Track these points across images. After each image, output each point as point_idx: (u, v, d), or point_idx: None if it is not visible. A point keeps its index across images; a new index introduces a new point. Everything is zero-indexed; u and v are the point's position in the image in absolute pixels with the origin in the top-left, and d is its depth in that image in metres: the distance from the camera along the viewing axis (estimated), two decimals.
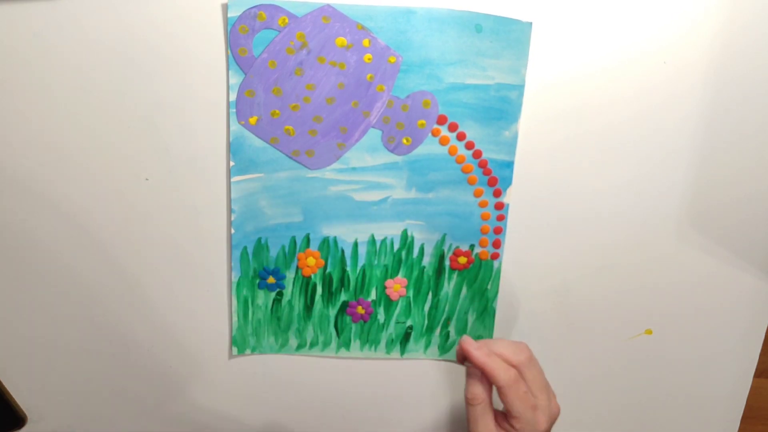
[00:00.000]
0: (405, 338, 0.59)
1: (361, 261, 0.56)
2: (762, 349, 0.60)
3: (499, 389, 0.48)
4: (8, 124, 0.50)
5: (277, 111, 0.50)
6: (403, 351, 0.59)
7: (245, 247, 0.54)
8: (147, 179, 0.52)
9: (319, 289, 0.57)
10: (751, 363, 0.61)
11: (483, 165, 0.53)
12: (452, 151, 0.53)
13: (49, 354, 0.57)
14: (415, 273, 0.57)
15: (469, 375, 0.49)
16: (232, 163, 0.52)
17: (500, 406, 0.49)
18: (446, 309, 0.58)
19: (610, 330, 0.59)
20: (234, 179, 0.52)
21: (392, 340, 0.59)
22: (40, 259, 0.54)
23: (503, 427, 0.49)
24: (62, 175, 0.52)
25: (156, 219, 0.53)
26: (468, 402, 0.49)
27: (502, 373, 0.47)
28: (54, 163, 0.51)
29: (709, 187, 0.55)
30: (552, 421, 0.50)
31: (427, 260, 0.56)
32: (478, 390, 0.48)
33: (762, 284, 0.58)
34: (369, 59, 0.49)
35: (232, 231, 0.53)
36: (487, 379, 0.48)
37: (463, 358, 0.49)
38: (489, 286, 0.57)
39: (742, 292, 0.58)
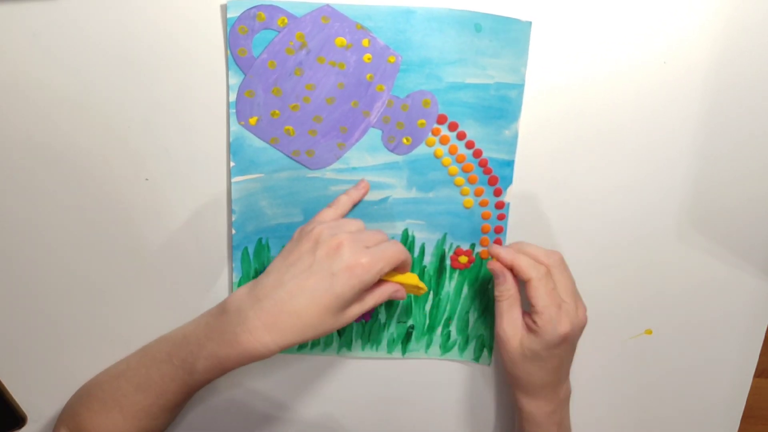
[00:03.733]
0: (406, 338, 0.59)
1: None
2: (762, 349, 0.60)
3: (526, 284, 0.49)
4: (8, 124, 0.50)
5: (277, 111, 0.50)
6: (404, 351, 0.59)
7: (246, 248, 0.54)
8: (147, 179, 0.52)
9: None
10: (751, 363, 0.61)
11: (483, 164, 0.53)
12: (452, 151, 0.53)
13: (49, 354, 0.57)
14: (416, 272, 0.57)
15: (497, 275, 0.51)
16: (232, 164, 0.52)
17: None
18: (447, 308, 0.58)
19: (610, 330, 0.59)
20: (234, 179, 0.52)
21: (393, 339, 0.59)
22: (40, 258, 0.54)
23: (527, 324, 0.50)
24: (62, 175, 0.52)
25: (156, 219, 0.53)
26: (497, 298, 0.51)
27: (530, 268, 0.49)
28: (54, 163, 0.51)
29: (709, 186, 0.55)
30: (577, 328, 0.50)
31: (427, 260, 0.56)
32: (507, 285, 0.51)
33: (762, 285, 0.58)
34: (369, 59, 0.49)
35: (233, 231, 0.54)
36: (515, 278, 0.51)
37: (495, 265, 0.51)
38: (490, 285, 0.57)
39: (743, 293, 0.58)
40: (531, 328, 0.50)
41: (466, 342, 0.59)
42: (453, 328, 0.59)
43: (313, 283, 0.44)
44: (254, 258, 0.55)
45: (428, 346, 0.59)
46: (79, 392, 0.56)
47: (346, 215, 0.52)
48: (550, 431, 0.53)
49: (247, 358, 0.44)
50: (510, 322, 0.51)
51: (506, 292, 0.51)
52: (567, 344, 0.50)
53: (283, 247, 0.54)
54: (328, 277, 0.43)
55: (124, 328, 0.56)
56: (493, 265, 0.51)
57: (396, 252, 0.46)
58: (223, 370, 0.46)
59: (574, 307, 0.50)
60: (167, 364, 0.48)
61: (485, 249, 0.56)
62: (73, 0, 0.48)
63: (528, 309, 0.51)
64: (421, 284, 0.50)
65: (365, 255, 0.44)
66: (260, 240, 0.54)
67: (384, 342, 0.59)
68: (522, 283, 0.51)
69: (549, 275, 0.50)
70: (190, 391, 0.49)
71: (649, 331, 0.60)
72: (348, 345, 0.59)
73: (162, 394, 0.49)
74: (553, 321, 0.49)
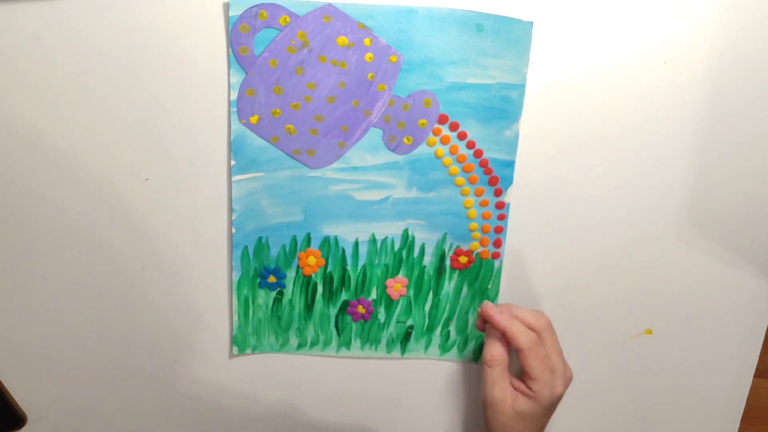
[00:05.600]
0: (405, 338, 0.59)
1: (362, 260, 0.56)
2: (762, 349, 0.60)
3: (519, 352, 0.50)
4: (8, 124, 0.50)
5: (278, 110, 0.50)
6: (403, 350, 0.59)
7: (246, 247, 0.54)
8: (147, 179, 0.52)
9: (320, 289, 0.57)
10: (751, 363, 0.61)
11: (484, 164, 0.53)
12: (453, 151, 0.53)
13: (49, 354, 0.57)
14: (416, 272, 0.57)
15: (488, 337, 0.51)
16: (232, 162, 0.52)
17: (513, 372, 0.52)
18: (447, 308, 0.58)
19: (610, 330, 0.59)
20: (235, 178, 0.52)
21: (393, 339, 0.59)
22: (40, 258, 0.54)
23: (520, 390, 0.51)
24: (62, 175, 0.52)
25: (156, 219, 0.53)
26: (486, 363, 0.51)
27: (523, 336, 0.49)
28: (54, 163, 0.51)
29: (709, 186, 0.55)
30: (567, 385, 0.52)
31: (427, 260, 0.56)
32: (498, 351, 0.51)
33: (762, 285, 0.58)
34: (370, 58, 0.49)
35: (233, 230, 0.53)
36: (506, 342, 0.51)
37: (484, 323, 0.52)
38: (490, 286, 0.57)
39: (743, 293, 0.58)
40: (526, 394, 0.50)
41: (466, 342, 0.59)
42: (452, 329, 0.59)
43: None
44: (254, 257, 0.55)
45: (427, 346, 0.59)
46: None
47: None
48: None
49: None
50: (500, 387, 0.51)
51: (499, 358, 0.51)
52: (558, 402, 0.52)
53: (283, 246, 0.54)
54: None
55: (124, 327, 0.56)
56: (491, 332, 0.51)
57: None
58: None
59: (563, 367, 0.51)
60: None
61: (485, 250, 0.56)
62: (73, 0, 0.47)
63: (517, 373, 0.52)
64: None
65: None
66: (260, 239, 0.54)
67: (383, 342, 0.59)
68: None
69: (540, 342, 0.50)
70: None
71: (649, 331, 0.60)
72: (347, 345, 0.59)
73: None
74: (549, 385, 0.50)
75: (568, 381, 0.52)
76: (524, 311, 0.52)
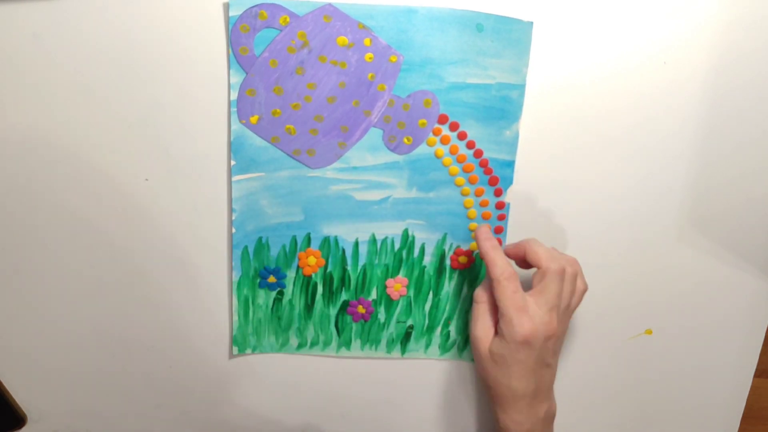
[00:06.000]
0: (405, 338, 0.59)
1: (362, 260, 0.56)
2: (762, 349, 0.60)
3: (492, 282, 0.49)
4: (8, 124, 0.50)
5: (278, 110, 0.50)
6: (403, 351, 0.59)
7: (246, 247, 0.54)
8: (147, 179, 0.52)
9: (320, 289, 0.57)
10: (751, 363, 0.61)
11: (484, 164, 0.53)
12: (453, 151, 0.53)
13: (49, 354, 0.56)
14: (416, 272, 0.57)
15: (486, 274, 0.51)
16: (232, 163, 0.52)
17: None
18: (447, 308, 0.58)
19: (610, 330, 0.59)
20: (235, 178, 0.52)
21: (393, 339, 0.59)
22: (40, 258, 0.54)
23: (496, 328, 0.50)
24: (62, 175, 0.52)
25: (156, 218, 0.53)
26: (474, 299, 0.52)
27: (497, 267, 0.49)
28: (54, 163, 0.51)
29: (709, 186, 0.55)
30: (540, 334, 0.48)
31: (427, 260, 0.56)
32: (484, 289, 0.51)
33: (762, 285, 0.58)
34: (370, 58, 0.49)
35: (233, 230, 0.53)
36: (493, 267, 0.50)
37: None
38: None
39: (743, 293, 0.58)
40: (497, 331, 0.50)
41: (466, 342, 0.59)
42: (452, 329, 0.59)
43: None
44: (254, 257, 0.55)
45: (427, 346, 0.59)
46: None
47: None
48: None
49: None
50: (482, 326, 0.51)
51: (483, 295, 0.51)
52: (529, 349, 0.49)
53: (283, 246, 0.54)
54: None
55: (124, 327, 0.56)
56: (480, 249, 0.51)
57: None
58: None
59: (545, 316, 0.49)
60: None
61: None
62: (73, 0, 0.47)
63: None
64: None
65: None
66: (260, 239, 0.54)
67: (383, 342, 0.59)
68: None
69: (513, 277, 0.48)
70: None
71: (649, 331, 0.60)
72: (347, 345, 0.59)
73: None
74: (512, 323, 0.48)
75: (544, 330, 0.48)
76: (539, 247, 0.50)
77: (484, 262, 0.50)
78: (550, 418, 0.53)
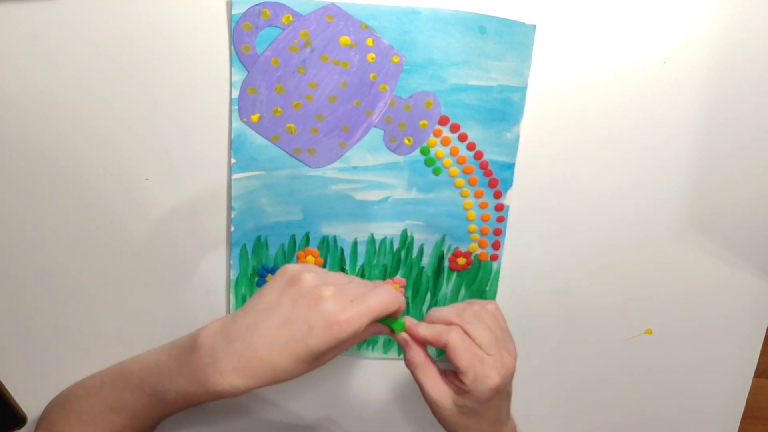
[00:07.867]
0: None
1: (361, 260, 0.56)
2: (762, 349, 0.61)
3: (445, 349, 0.48)
4: (8, 124, 0.50)
5: (280, 109, 0.50)
6: (400, 351, 0.59)
7: (244, 245, 0.54)
8: (147, 179, 0.52)
9: None
10: (751, 363, 0.61)
11: (484, 166, 0.53)
12: (453, 152, 0.53)
13: (49, 354, 0.56)
14: (414, 273, 0.57)
15: (402, 344, 0.49)
16: (233, 161, 0.51)
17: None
18: None
19: (610, 330, 0.60)
20: (235, 176, 0.52)
21: (390, 340, 0.58)
22: (40, 258, 0.53)
23: (454, 384, 0.49)
24: (62, 174, 0.51)
25: (155, 216, 0.53)
26: (407, 366, 0.50)
27: (441, 335, 0.48)
28: (54, 162, 0.51)
29: (710, 187, 0.55)
30: (506, 377, 0.48)
31: (426, 261, 0.56)
32: (412, 353, 0.49)
33: (762, 284, 0.58)
34: (372, 59, 0.49)
35: (232, 228, 0.53)
36: (419, 343, 0.49)
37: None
38: (487, 288, 0.57)
39: (742, 292, 0.59)
40: (461, 389, 0.48)
41: None
42: None
43: (288, 333, 0.42)
44: (253, 256, 0.54)
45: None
46: (57, 399, 0.55)
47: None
48: None
49: (216, 397, 0.44)
50: (433, 387, 0.49)
51: (415, 358, 0.49)
52: (500, 394, 0.49)
53: (281, 245, 0.54)
54: (305, 329, 0.42)
55: (123, 327, 0.56)
56: (396, 337, 0.49)
57: (381, 304, 0.44)
58: (193, 403, 0.46)
59: (499, 357, 0.48)
60: (139, 390, 0.48)
61: (483, 252, 0.56)
62: (73, 0, 0.47)
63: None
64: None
65: (346, 311, 0.42)
66: (259, 237, 0.54)
67: (380, 342, 0.59)
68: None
69: (462, 335, 0.48)
70: (162, 416, 0.50)
71: (649, 331, 0.60)
72: None
73: (134, 416, 0.49)
74: (480, 377, 0.47)
75: (506, 372, 0.48)
76: (446, 310, 0.50)
77: (430, 343, 0.49)
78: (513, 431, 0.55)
